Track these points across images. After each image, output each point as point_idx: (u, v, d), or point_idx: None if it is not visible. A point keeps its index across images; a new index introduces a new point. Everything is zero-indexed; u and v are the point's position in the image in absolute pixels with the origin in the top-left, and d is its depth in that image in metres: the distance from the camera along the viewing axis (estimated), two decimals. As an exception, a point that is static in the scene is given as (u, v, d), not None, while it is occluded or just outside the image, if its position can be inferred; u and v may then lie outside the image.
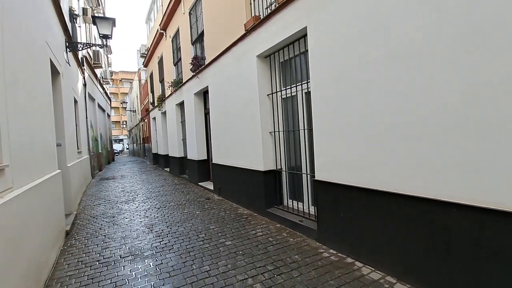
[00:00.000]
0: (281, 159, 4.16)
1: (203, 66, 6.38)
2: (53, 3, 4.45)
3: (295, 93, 3.77)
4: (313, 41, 3.07)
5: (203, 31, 6.48)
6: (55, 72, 4.49)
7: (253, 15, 4.38)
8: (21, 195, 2.16)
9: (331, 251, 2.94)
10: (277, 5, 3.59)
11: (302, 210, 3.76)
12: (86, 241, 3.70)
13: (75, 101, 6.84)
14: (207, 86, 6.29)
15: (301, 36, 3.46)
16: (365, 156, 2.52)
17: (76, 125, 6.68)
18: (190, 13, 7.45)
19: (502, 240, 1.66)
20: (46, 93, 3.56)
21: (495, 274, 1.71)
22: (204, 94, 7.26)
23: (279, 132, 4.13)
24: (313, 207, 3.57)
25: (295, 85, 3.69)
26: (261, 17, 4.03)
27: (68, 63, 5.90)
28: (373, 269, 2.51)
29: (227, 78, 5.18)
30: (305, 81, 3.51)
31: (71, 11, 7.13)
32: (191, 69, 7.00)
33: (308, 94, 3.49)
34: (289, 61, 3.86)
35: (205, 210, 4.90)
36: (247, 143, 4.59)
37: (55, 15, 4.65)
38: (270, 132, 4.24)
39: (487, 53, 1.68)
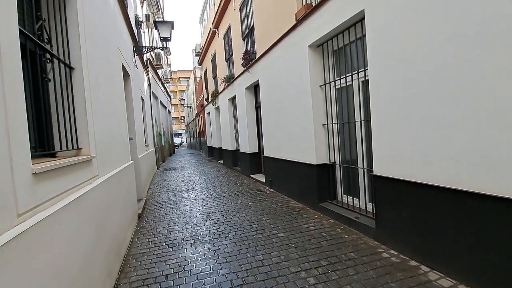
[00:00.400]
0: (334, 152, 3.99)
1: (253, 61, 6.47)
2: (122, 12, 5.01)
3: (350, 83, 3.54)
4: (371, 24, 2.83)
5: (253, 25, 6.54)
6: (126, 74, 5.09)
7: (304, 3, 4.24)
8: (105, 182, 2.54)
9: (392, 251, 2.73)
10: (330, -10, 3.40)
11: (358, 206, 3.56)
12: (154, 223, 4.17)
13: (142, 100, 7.66)
14: (258, 80, 6.37)
15: (357, 21, 3.22)
16: (435, 150, 2.24)
17: (143, 121, 7.50)
18: (240, 9, 7.58)
19: None
20: (120, 93, 4.07)
21: None
22: (255, 88, 7.37)
23: (332, 124, 3.96)
24: (370, 203, 3.35)
25: (350, 74, 3.47)
26: (313, 5, 3.87)
27: (136, 66, 6.61)
28: (443, 275, 2.25)
29: (278, 70, 5.15)
30: (362, 69, 3.27)
31: (136, 18, 7.94)
32: (242, 64, 7.16)
33: (365, 83, 3.25)
34: (343, 49, 3.64)
35: (257, 202, 5.03)
36: (298, 136, 4.53)
37: (124, 24, 5.24)
38: (323, 125, 4.09)
39: None
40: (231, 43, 8.72)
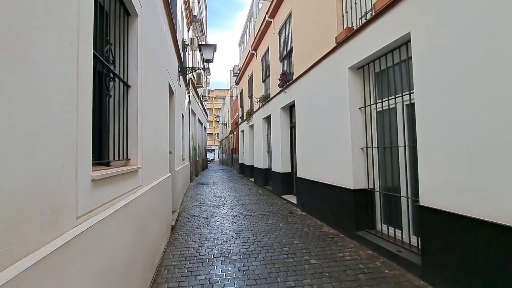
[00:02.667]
0: (374, 178, 3.78)
1: (290, 81, 6.57)
2: (172, 37, 5.50)
3: (393, 105, 3.40)
4: (418, 46, 2.73)
5: (291, 48, 6.70)
6: (170, 92, 5.48)
7: (345, 27, 4.26)
8: (148, 191, 2.68)
9: (442, 294, 2.42)
10: (373, 13, 3.39)
11: (399, 238, 3.27)
12: (186, 237, 4.24)
13: (182, 116, 8.14)
14: (294, 101, 6.42)
15: (402, 44, 3.13)
16: (494, 181, 2.01)
17: (182, 136, 7.91)
18: (279, 33, 7.86)
19: None
20: (165, 110, 4.37)
21: None
22: (290, 108, 7.42)
23: (372, 148, 3.78)
24: (414, 236, 3.05)
25: (393, 96, 3.34)
26: (355, 28, 3.87)
27: (180, 85, 7.10)
28: (508, 330, 1.92)
29: (315, 91, 5.15)
30: (407, 92, 3.13)
31: (183, 42, 8.64)
32: (278, 85, 7.31)
33: (410, 106, 3.10)
34: (386, 71, 3.54)
35: (288, 224, 4.89)
36: (335, 158, 4.39)
37: (173, 47, 5.72)
38: (361, 148, 3.93)
39: None
40: (269, 64, 9.00)
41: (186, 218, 5.48)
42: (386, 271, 2.93)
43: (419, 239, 2.79)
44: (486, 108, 2.08)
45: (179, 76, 6.93)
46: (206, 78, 19.16)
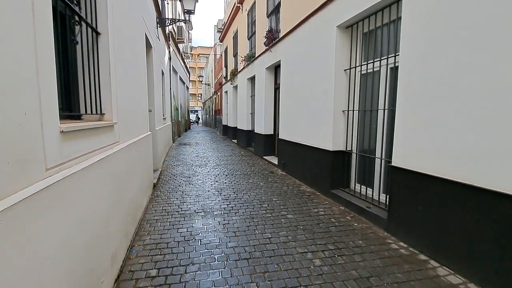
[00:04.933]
0: (352, 140, 3.90)
1: (277, 40, 6.28)
2: (149, -19, 4.92)
3: (377, 68, 3.38)
4: (409, 5, 2.63)
5: (279, 2, 6.27)
6: (148, 45, 5.09)
7: (337, -20, 3.98)
8: (125, 148, 2.62)
9: (401, 243, 2.71)
10: (367, -34, 3.16)
11: (371, 196, 3.52)
12: (168, 194, 4.33)
13: (162, 73, 7.70)
14: (279, 61, 6.21)
15: (393, 1, 3.00)
16: (466, 145, 2.13)
17: (162, 94, 7.59)
18: (268, -16, 7.26)
19: None
20: (142, 64, 4.09)
21: None
22: (275, 69, 7.21)
23: (353, 111, 3.83)
24: (384, 194, 3.29)
25: (379, 59, 3.30)
26: (347, -18, 3.63)
27: (158, 38, 6.59)
28: (453, 272, 2.22)
29: (302, 51, 4.98)
30: (392, 55, 3.09)
31: (162, -12, 7.78)
32: (264, 43, 6.98)
33: (394, 69, 3.09)
34: (374, 32, 3.44)
35: (268, 183, 5.08)
36: (316, 120, 4.44)
37: (150, -7, 5.16)
38: (343, 111, 3.98)
39: None
40: (255, 20, 8.46)
41: (168, 176, 5.54)
42: (355, 224, 3.19)
43: (388, 196, 3.01)
44: (465, 77, 2.11)
45: (157, 28, 6.39)
46: (188, 32, 17.86)
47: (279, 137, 6.28)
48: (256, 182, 5.10)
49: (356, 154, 3.86)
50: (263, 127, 7.59)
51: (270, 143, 7.64)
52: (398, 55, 2.81)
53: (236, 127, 11.70)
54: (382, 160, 3.31)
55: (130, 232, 2.72)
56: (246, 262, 2.38)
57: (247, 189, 4.64)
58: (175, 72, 12.55)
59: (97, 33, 2.19)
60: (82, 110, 1.97)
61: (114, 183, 2.21)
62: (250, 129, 9.65)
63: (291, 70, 5.56)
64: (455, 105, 2.18)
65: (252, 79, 9.07)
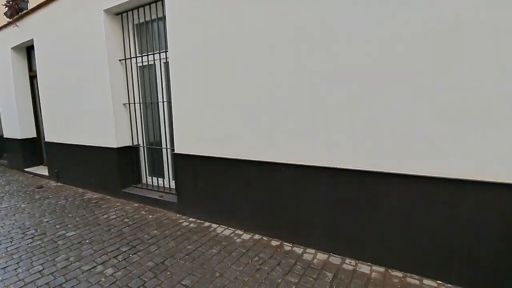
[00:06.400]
0: (137, 134, 3.81)
1: (25, 11, 4.68)
2: None
3: (152, 62, 3.47)
4: (172, 3, 2.87)
5: (18, -41, 4.65)
6: None
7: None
8: None
9: (191, 219, 3.08)
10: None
11: (163, 185, 3.66)
12: None
13: None
14: (32, 40, 4.70)
15: (158, -1, 3.16)
16: (223, 129, 2.72)
17: None
18: None
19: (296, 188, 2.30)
20: None
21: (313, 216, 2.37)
22: (28, 50, 5.40)
23: (135, 104, 3.72)
24: (173, 181, 3.55)
25: (152, 52, 3.39)
26: (107, -37, 3.33)
27: None
28: (226, 227, 2.85)
29: (64, 32, 4.05)
30: (164, 50, 3.29)
31: None
32: (5, 13, 4.96)
33: (167, 64, 3.31)
34: (145, 25, 3.47)
35: (35, 202, 3.85)
36: (94, 116, 3.87)
37: None
38: (124, 104, 3.75)
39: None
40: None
41: None
42: (150, 216, 3.21)
43: (176, 181, 3.27)
44: (216, 76, 2.67)
45: None
46: None
47: (47, 140, 4.87)
48: (14, 206, 3.69)
49: (144, 148, 3.83)
50: (19, 130, 5.54)
51: (33, 149, 5.75)
52: (168, 51, 3.03)
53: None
54: (168, 149, 3.53)
55: None
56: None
57: (-5, 219, 3.24)
58: None
59: None
60: None
61: None
62: None
63: (52, 55, 4.38)
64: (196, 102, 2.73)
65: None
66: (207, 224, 2.95)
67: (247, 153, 2.58)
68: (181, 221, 3.05)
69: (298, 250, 2.39)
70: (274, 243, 2.52)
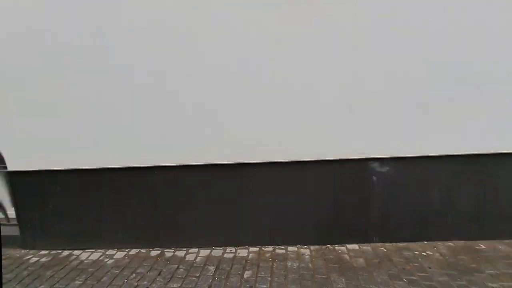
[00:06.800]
0: None
1: None
2: None
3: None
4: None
5: None
6: None
7: None
8: None
9: (42, 252, 2.45)
10: None
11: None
12: None
13: None
14: None
15: None
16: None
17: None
18: None
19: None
20: None
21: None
22: None
23: None
24: (13, 208, 2.72)
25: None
26: None
27: None
28: (93, 250, 2.42)
29: None
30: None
31: None
32: None
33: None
34: None
35: None
36: None
37: None
38: None
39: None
40: None
41: None
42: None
43: (15, 209, 2.52)
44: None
45: None
46: None
47: None
48: None
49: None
50: None
51: None
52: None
53: None
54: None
55: None
56: None
57: None
58: None
59: None
60: None
61: None
62: None
63: None
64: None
65: None
66: (66, 253, 2.41)
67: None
68: (28, 257, 2.38)
69: (181, 253, 2.32)
70: (154, 253, 2.35)
